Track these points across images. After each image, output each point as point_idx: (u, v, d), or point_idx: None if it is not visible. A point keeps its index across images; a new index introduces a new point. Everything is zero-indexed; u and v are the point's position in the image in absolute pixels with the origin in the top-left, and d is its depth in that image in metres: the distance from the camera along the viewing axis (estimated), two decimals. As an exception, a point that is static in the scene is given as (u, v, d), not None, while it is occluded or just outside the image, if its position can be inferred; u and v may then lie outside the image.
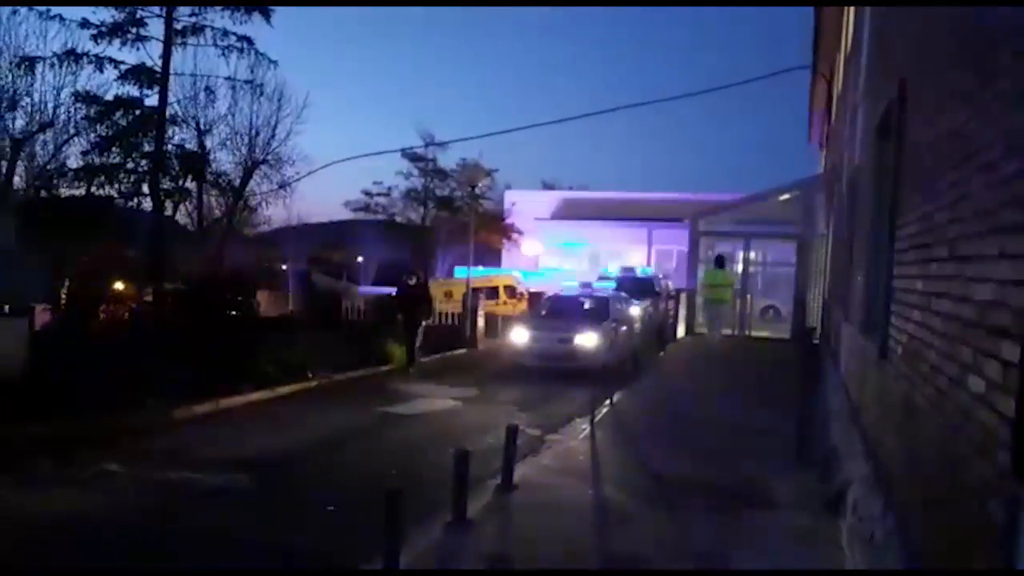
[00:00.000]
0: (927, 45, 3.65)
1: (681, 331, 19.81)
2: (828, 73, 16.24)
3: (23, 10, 20.55)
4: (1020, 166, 1.96)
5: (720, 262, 19.10)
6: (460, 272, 32.20)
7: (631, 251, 34.38)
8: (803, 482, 6.84)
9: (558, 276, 29.08)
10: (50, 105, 20.99)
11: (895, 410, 3.82)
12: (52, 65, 20.89)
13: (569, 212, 38.03)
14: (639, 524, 5.86)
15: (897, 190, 4.25)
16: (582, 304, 15.42)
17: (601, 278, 21.17)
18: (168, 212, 23.46)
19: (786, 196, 20.12)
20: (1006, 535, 1.86)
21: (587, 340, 13.63)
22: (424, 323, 14.46)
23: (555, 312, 15.53)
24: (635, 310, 16.45)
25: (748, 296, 21.22)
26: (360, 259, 47.65)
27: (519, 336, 14.56)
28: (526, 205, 37.94)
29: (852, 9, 10.69)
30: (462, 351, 17.26)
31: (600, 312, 14.78)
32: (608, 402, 10.34)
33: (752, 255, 22.12)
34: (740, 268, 21.64)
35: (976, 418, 2.22)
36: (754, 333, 20.55)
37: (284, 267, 35.63)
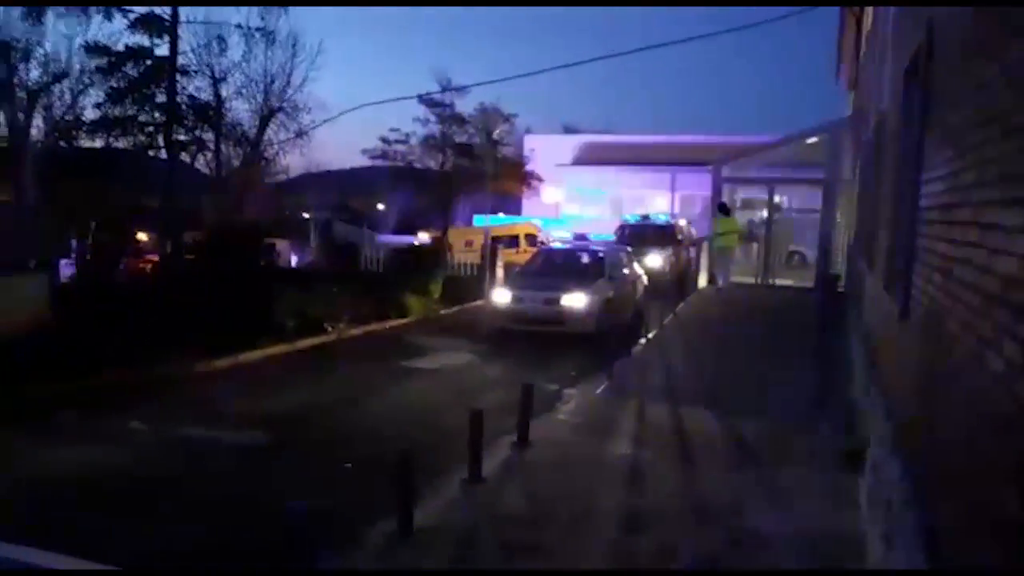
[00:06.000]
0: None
1: (703, 281, 19.51)
2: (858, 8, 15.55)
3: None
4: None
5: (724, 209, 18.68)
6: (479, 220, 32.01)
7: (654, 197, 33.85)
8: (823, 435, 6.77)
9: (580, 224, 28.72)
10: (63, 56, 20.86)
11: (914, 374, 3.71)
12: (60, 15, 20.62)
13: (591, 157, 37.38)
14: (655, 479, 5.85)
15: (923, 143, 4.03)
16: (575, 259, 14.10)
17: (621, 226, 20.82)
18: (188, 162, 23.43)
19: (813, 139, 19.47)
20: (1020, 519, 1.77)
21: (576, 301, 12.22)
22: None
23: (543, 269, 14.05)
24: (651, 260, 15.69)
25: (772, 243, 20.77)
26: (381, 206, 47.51)
27: (501, 296, 13.02)
28: (547, 151, 37.33)
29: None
30: (481, 302, 17.19)
31: (594, 269, 13.53)
32: (627, 354, 10.28)
33: (777, 199, 21.60)
34: (765, 214, 21.17)
35: (994, 396, 2.11)
36: (778, 281, 20.09)
37: (306, 215, 35.60)
